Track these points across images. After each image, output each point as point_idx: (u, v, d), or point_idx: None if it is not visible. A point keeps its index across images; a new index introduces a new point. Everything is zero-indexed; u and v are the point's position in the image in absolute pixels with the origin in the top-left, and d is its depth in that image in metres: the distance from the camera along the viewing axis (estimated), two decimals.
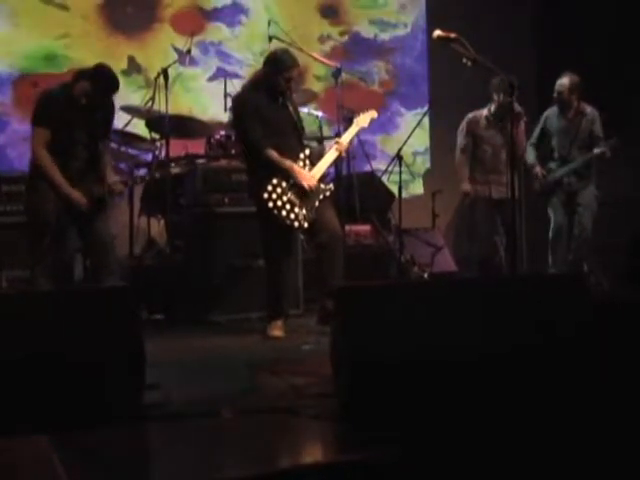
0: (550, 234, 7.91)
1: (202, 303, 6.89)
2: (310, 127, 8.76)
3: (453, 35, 5.53)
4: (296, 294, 7.19)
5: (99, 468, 3.46)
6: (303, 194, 6.02)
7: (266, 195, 5.93)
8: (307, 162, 6.19)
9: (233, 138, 7.58)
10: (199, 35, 8.86)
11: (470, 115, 7.76)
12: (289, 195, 5.98)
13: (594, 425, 3.73)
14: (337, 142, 6.41)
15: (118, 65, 8.76)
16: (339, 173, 8.53)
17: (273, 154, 6.00)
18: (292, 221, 5.98)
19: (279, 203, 5.94)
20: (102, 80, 5.97)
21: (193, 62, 8.77)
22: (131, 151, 8.33)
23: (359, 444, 3.57)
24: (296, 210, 5.99)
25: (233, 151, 7.50)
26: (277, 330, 6.21)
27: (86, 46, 8.62)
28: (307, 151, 6.26)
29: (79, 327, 4.03)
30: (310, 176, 6.09)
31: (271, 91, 6.15)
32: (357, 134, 6.63)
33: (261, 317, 6.78)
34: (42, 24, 8.40)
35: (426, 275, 7.98)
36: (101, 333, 4.05)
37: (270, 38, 8.24)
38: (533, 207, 7.89)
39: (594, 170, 7.89)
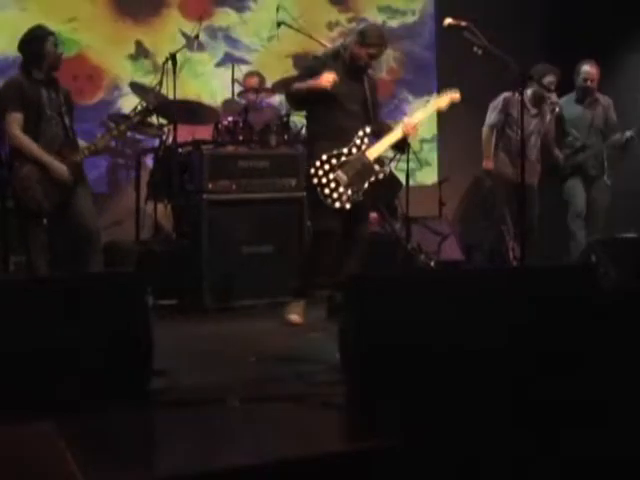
0: (569, 221, 7.88)
1: (209, 289, 6.86)
2: None
3: (464, 23, 5.52)
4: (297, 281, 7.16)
5: (106, 454, 3.46)
6: (353, 173, 5.83)
7: (312, 170, 5.82)
8: (365, 140, 5.95)
9: (240, 123, 7.57)
10: (207, 20, 8.82)
11: (507, 94, 7.66)
12: (337, 173, 5.79)
13: (602, 414, 3.73)
14: (403, 122, 6.15)
15: (126, 50, 8.79)
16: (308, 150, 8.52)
17: (296, 84, 5.94)
18: (334, 200, 5.80)
19: (324, 180, 5.77)
20: (37, 40, 6.03)
21: (201, 47, 8.74)
22: (138, 136, 8.32)
23: (367, 433, 3.57)
24: (341, 190, 5.79)
25: (241, 137, 7.48)
26: (296, 314, 6.07)
27: (93, 30, 8.60)
28: (367, 129, 6.00)
29: (86, 312, 4.03)
30: (326, 76, 5.81)
31: (351, 62, 5.97)
32: (430, 115, 6.39)
33: (269, 304, 6.79)
34: (50, 8, 8.36)
35: (433, 263, 7.96)
36: (109, 318, 4.05)
37: (278, 24, 8.22)
38: (552, 194, 7.89)
39: (607, 159, 7.91)
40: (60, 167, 5.94)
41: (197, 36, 8.00)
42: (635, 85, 8.64)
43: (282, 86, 8.36)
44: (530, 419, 3.66)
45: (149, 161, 8.08)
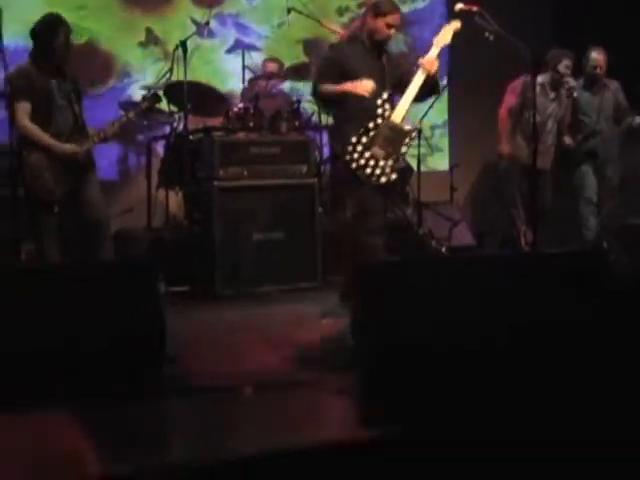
0: (581, 206, 7.88)
1: (221, 276, 6.86)
2: None
3: (475, 8, 5.50)
4: (314, 267, 7.17)
5: (120, 441, 3.48)
6: (386, 143, 5.66)
7: (348, 157, 5.65)
8: (386, 106, 5.75)
9: (251, 110, 7.56)
10: (217, 7, 8.81)
11: (525, 77, 7.65)
12: (372, 149, 5.62)
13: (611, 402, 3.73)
14: (421, 62, 5.86)
15: (136, 37, 8.77)
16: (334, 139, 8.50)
17: (325, 86, 5.73)
18: (378, 177, 5.64)
19: (362, 162, 5.62)
20: (49, 33, 6.03)
21: (211, 34, 8.73)
22: (149, 123, 8.32)
23: (377, 421, 3.57)
24: (381, 164, 5.63)
25: (251, 124, 7.47)
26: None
27: (103, 17, 8.57)
28: (385, 94, 5.76)
29: (100, 300, 4.04)
30: (364, 83, 5.61)
31: (370, 40, 5.79)
32: (442, 47, 6.07)
33: (281, 290, 6.81)
34: None
35: (444, 249, 7.95)
36: (121, 306, 4.07)
37: (289, 10, 8.22)
38: (564, 180, 7.88)
39: (618, 145, 7.91)
40: (70, 147, 5.97)
41: (207, 23, 8.01)
42: None
43: (293, 73, 8.38)
44: (543, 407, 3.67)
45: (160, 148, 8.08)
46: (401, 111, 5.71)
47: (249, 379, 4.16)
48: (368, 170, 5.58)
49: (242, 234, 6.98)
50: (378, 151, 5.57)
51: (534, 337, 4.00)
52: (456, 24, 5.95)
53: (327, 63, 5.86)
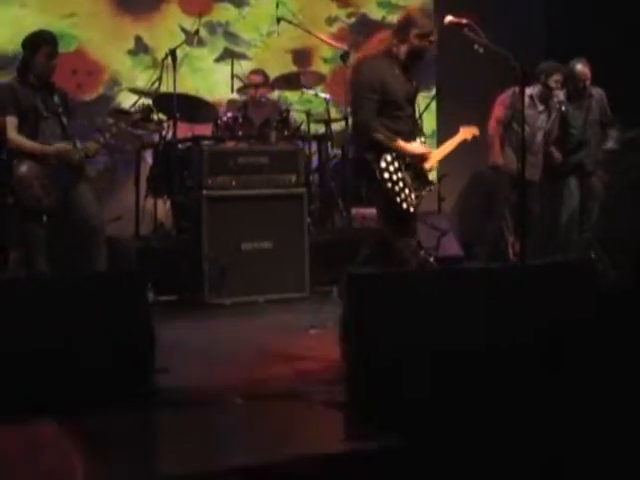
0: (563, 218, 7.90)
1: (209, 285, 6.86)
2: (317, 109, 8.76)
3: (465, 21, 5.49)
4: (302, 277, 7.18)
5: (110, 454, 3.47)
6: (416, 177, 5.50)
7: (383, 164, 5.34)
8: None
9: (240, 119, 7.57)
10: (206, 15, 8.81)
11: (515, 89, 7.67)
12: (405, 173, 5.40)
13: (600, 413, 3.74)
14: (462, 129, 5.90)
15: (125, 45, 8.78)
16: (346, 155, 8.54)
17: (380, 137, 5.36)
18: (402, 200, 5.40)
19: (394, 177, 5.36)
20: (31, 49, 6.02)
21: (200, 42, 8.73)
22: (137, 132, 8.31)
23: (368, 433, 3.58)
24: (407, 191, 5.42)
25: (240, 133, 7.49)
26: None
27: (93, 26, 8.58)
28: (422, 138, 5.65)
29: (90, 311, 4.04)
30: (423, 147, 5.53)
31: (410, 59, 5.53)
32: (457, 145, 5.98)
33: (269, 300, 6.82)
34: (49, 3, 8.37)
35: (432, 259, 7.96)
36: (112, 317, 4.06)
37: (278, 19, 8.23)
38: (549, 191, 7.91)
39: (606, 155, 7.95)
40: (65, 147, 5.97)
41: (197, 31, 8.01)
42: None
43: (282, 82, 8.40)
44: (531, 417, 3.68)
45: (149, 157, 8.08)
46: (434, 159, 5.64)
47: (238, 390, 4.15)
48: (397, 188, 5.36)
49: (231, 243, 6.98)
50: (408, 179, 5.41)
51: (522, 348, 4.00)
52: (476, 131, 6.06)
53: (371, 90, 5.42)
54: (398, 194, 5.36)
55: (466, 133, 5.97)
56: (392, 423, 3.63)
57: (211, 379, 4.56)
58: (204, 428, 3.81)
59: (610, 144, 7.84)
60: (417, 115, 5.91)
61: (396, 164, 5.38)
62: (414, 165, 5.47)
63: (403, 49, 5.47)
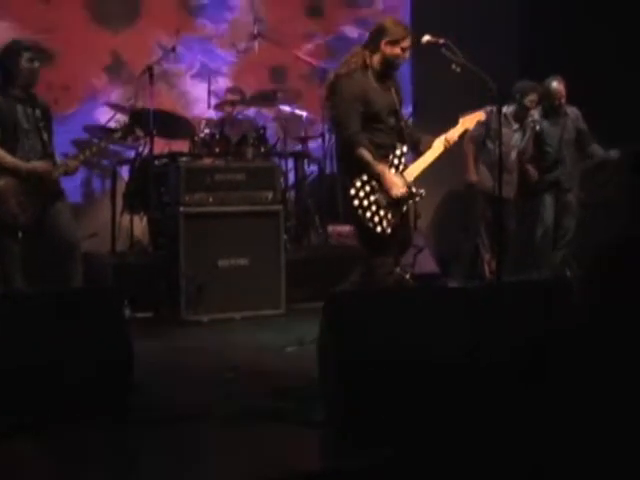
0: (538, 235, 7.94)
1: (186, 302, 6.85)
2: (293, 126, 8.77)
3: (442, 40, 5.53)
4: (278, 294, 7.18)
5: (85, 471, 3.47)
6: (392, 197, 5.42)
7: (353, 191, 5.34)
8: (402, 160, 5.53)
9: (217, 136, 7.57)
10: (183, 31, 8.81)
11: (489, 108, 7.69)
12: (377, 195, 5.37)
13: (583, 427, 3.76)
14: (445, 138, 5.72)
15: (102, 61, 8.76)
16: (322, 172, 8.56)
17: (365, 154, 5.32)
18: (375, 224, 5.37)
19: (365, 202, 5.35)
20: (11, 57, 5.95)
21: (177, 58, 8.72)
22: (114, 147, 8.30)
23: (347, 451, 3.58)
24: (382, 213, 5.38)
25: (217, 149, 7.48)
26: None
27: (70, 40, 8.55)
28: (404, 148, 5.55)
29: (66, 328, 4.03)
30: (401, 184, 5.42)
31: (384, 68, 5.52)
32: (461, 136, 5.93)
33: (245, 317, 6.82)
34: (26, 18, 8.34)
35: (408, 276, 7.97)
36: (89, 334, 4.06)
37: (255, 36, 8.25)
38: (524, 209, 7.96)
39: (580, 173, 8.02)
40: (41, 165, 5.91)
41: (174, 48, 8.00)
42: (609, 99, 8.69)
43: (259, 99, 8.42)
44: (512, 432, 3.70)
45: (125, 172, 8.06)
46: (415, 171, 5.58)
47: (216, 409, 4.14)
48: (368, 214, 5.35)
49: (207, 260, 6.97)
50: (383, 200, 5.38)
51: (501, 365, 4.02)
52: (481, 115, 6.00)
53: (353, 104, 5.41)
54: (371, 219, 5.34)
55: (466, 123, 5.88)
56: (371, 441, 3.64)
57: (187, 397, 4.53)
58: (179, 446, 3.80)
59: (613, 153, 7.91)
60: (403, 124, 5.74)
61: (367, 188, 5.35)
62: None
63: (376, 59, 5.48)
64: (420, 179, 9.08)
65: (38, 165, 5.92)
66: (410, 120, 8.87)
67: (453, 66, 5.48)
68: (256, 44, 8.41)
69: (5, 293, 5.51)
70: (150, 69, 7.42)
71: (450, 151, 8.02)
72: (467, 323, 4.10)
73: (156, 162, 7.53)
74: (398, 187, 5.39)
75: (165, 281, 6.98)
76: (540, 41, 9.58)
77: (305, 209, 8.38)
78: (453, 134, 5.76)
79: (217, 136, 7.54)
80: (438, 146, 5.67)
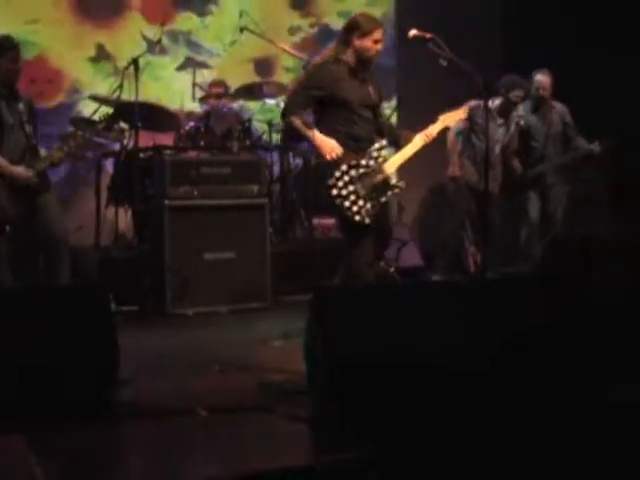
0: (524, 231, 7.98)
1: (170, 295, 6.85)
2: (279, 119, 8.75)
3: (429, 35, 5.54)
4: (264, 287, 7.19)
5: (74, 468, 3.46)
6: (372, 187, 5.49)
7: (332, 181, 5.41)
8: (381, 152, 5.59)
9: (202, 129, 7.56)
10: (169, 24, 8.80)
11: (473, 102, 7.68)
12: (356, 185, 5.45)
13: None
14: (424, 133, 5.78)
15: (86, 52, 8.75)
16: (307, 165, 8.55)
17: (295, 121, 5.49)
18: (354, 213, 5.43)
19: (344, 192, 5.42)
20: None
21: (162, 51, 8.72)
22: (99, 140, 8.28)
23: (335, 446, 3.59)
24: (360, 203, 5.44)
25: (202, 142, 7.48)
26: None
27: (54, 33, 8.55)
28: (383, 142, 5.65)
29: (52, 324, 4.03)
30: (336, 146, 5.45)
31: (357, 61, 5.59)
32: (441, 132, 5.99)
33: (231, 310, 6.83)
34: (10, 9, 8.31)
35: (392, 270, 8.00)
36: (75, 330, 4.05)
37: (241, 29, 8.23)
38: (509, 203, 7.98)
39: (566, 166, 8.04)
40: (24, 173, 5.88)
41: (159, 40, 7.98)
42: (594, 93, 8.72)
43: (244, 92, 8.41)
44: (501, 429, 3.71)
45: (109, 165, 8.04)
46: (394, 164, 5.65)
47: (202, 403, 4.14)
48: (347, 203, 5.41)
49: (192, 253, 6.97)
50: (362, 190, 5.44)
51: (488, 360, 4.04)
52: (463, 113, 6.05)
53: (305, 87, 5.61)
54: (349, 208, 5.40)
55: (446, 121, 5.94)
56: (358, 436, 3.65)
57: (174, 391, 4.53)
58: (168, 441, 3.81)
59: (594, 147, 7.91)
60: (382, 118, 5.90)
61: (346, 178, 5.42)
62: (371, 173, 5.49)
63: (349, 53, 5.57)
64: (404, 173, 9.19)
65: (20, 171, 5.88)
66: (394, 114, 8.94)
67: (440, 61, 5.49)
68: (242, 37, 8.38)
69: None
70: (136, 62, 7.40)
71: (435, 145, 8.13)
72: (453, 317, 4.12)
73: (141, 155, 7.51)
74: (331, 151, 5.44)
75: (150, 274, 6.97)
76: (525, 35, 9.58)
77: (290, 202, 8.39)
78: (432, 130, 5.82)
79: (202, 129, 7.53)
80: (418, 141, 5.73)
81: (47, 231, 5.98)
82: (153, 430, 3.95)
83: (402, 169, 9.65)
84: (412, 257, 8.67)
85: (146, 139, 7.73)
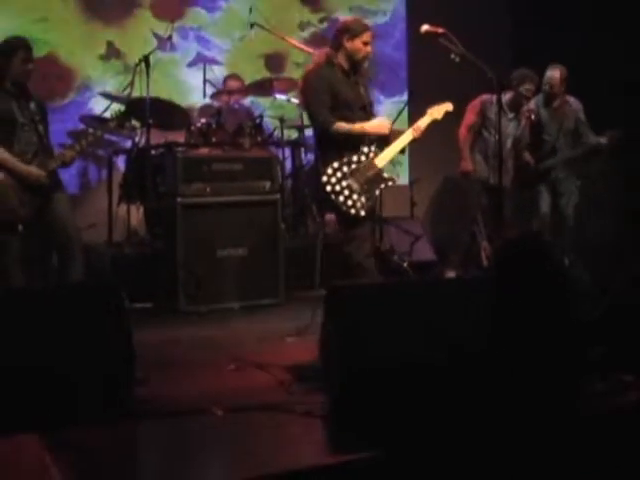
0: (535, 224, 7.95)
1: (184, 292, 6.84)
2: (290, 115, 8.76)
3: (441, 30, 5.54)
4: (276, 284, 7.18)
5: (90, 467, 3.46)
6: (364, 182, 5.64)
7: (325, 178, 5.58)
8: (372, 148, 5.72)
9: (214, 125, 7.56)
10: (178, 20, 8.79)
11: (485, 96, 7.68)
12: (349, 180, 5.60)
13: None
14: (413, 127, 5.96)
15: (96, 50, 8.75)
16: (318, 159, 8.53)
17: (341, 125, 5.60)
18: (349, 207, 5.59)
19: (337, 187, 5.59)
20: (5, 54, 5.92)
21: (172, 47, 8.70)
22: (110, 137, 8.29)
23: (351, 444, 3.59)
24: (354, 197, 5.61)
25: (214, 139, 7.46)
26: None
27: (64, 30, 8.55)
28: (373, 147, 5.74)
29: (69, 324, 4.03)
30: (385, 123, 5.72)
31: (349, 62, 5.74)
32: (429, 125, 6.10)
33: (244, 307, 6.82)
34: (21, 7, 8.33)
35: (405, 264, 7.99)
36: (91, 330, 4.05)
37: (251, 25, 8.21)
38: (520, 197, 7.96)
39: (578, 160, 7.99)
40: (36, 171, 5.87)
41: (170, 37, 7.99)
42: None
43: (255, 88, 8.41)
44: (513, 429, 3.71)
45: (121, 163, 8.05)
46: (386, 158, 5.77)
47: (218, 401, 4.14)
48: (341, 198, 5.57)
49: (205, 250, 6.97)
50: (355, 184, 5.59)
51: (502, 355, 4.03)
52: (449, 106, 6.15)
53: (321, 92, 5.68)
54: (344, 202, 5.55)
55: (433, 114, 6.07)
56: (373, 434, 3.64)
57: (189, 390, 4.54)
58: (185, 441, 3.81)
59: (602, 139, 7.86)
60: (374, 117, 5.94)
61: (339, 174, 5.59)
62: (362, 168, 5.64)
63: (340, 56, 5.72)
64: (417, 169, 9.17)
65: (33, 170, 5.87)
66: (405, 108, 8.92)
67: (452, 56, 5.49)
68: (252, 33, 8.36)
69: (5, 289, 5.48)
70: (147, 59, 7.40)
71: (447, 140, 8.13)
72: (467, 315, 4.11)
73: (153, 152, 7.51)
74: (384, 126, 5.71)
75: (163, 272, 6.97)
76: (536, 30, 9.55)
77: (302, 198, 8.38)
78: (421, 124, 5.98)
79: (213, 126, 7.52)
80: (407, 135, 5.90)
81: (59, 230, 5.98)
82: (169, 429, 3.96)
83: (417, 165, 9.72)
84: (425, 252, 8.66)
85: (157, 136, 7.71)
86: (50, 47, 8.46)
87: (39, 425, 3.65)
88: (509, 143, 7.73)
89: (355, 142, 5.67)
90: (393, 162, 9.12)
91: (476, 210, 7.83)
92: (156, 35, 8.71)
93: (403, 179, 9.81)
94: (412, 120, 9.73)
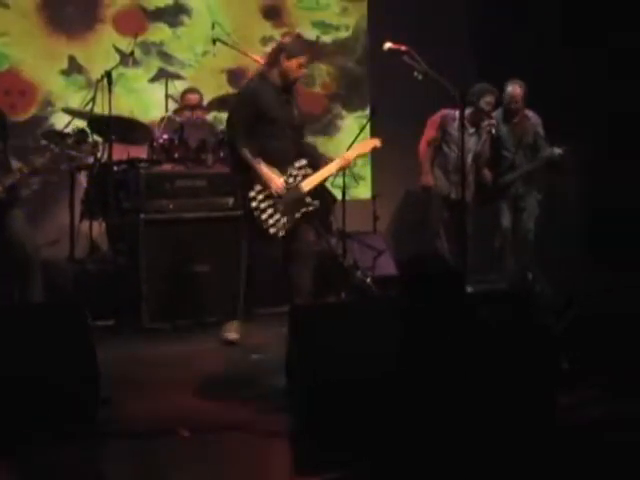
0: (496, 243, 8.00)
1: (146, 309, 6.81)
2: None
3: (404, 48, 5.57)
4: (239, 300, 7.15)
5: None
6: (288, 203, 5.91)
7: (252, 194, 5.86)
8: (300, 171, 6.07)
9: (176, 141, 7.54)
10: (141, 35, 8.74)
11: (445, 111, 7.72)
12: (274, 200, 5.87)
13: None
14: (342, 157, 6.31)
15: (58, 65, 8.68)
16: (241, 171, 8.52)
17: (247, 154, 5.88)
18: (269, 226, 5.87)
19: (262, 205, 5.85)
20: None
21: (134, 62, 8.66)
22: (72, 152, 8.21)
23: (315, 464, 3.59)
24: (276, 217, 5.89)
25: (176, 155, 7.44)
26: (234, 332, 6.14)
27: (26, 45, 8.47)
28: (303, 161, 6.11)
29: (31, 343, 4.00)
30: (277, 178, 5.92)
31: (283, 81, 5.98)
32: (357, 157, 6.58)
33: (207, 323, 6.82)
34: None
35: (369, 280, 8.00)
36: (54, 349, 4.03)
37: (214, 41, 8.20)
38: (480, 213, 8.00)
39: (538, 174, 8.03)
40: None
41: (132, 53, 7.95)
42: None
43: (218, 104, 8.38)
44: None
45: (83, 178, 7.99)
46: (311, 183, 6.03)
47: (183, 421, 4.12)
48: (264, 216, 5.84)
49: (168, 267, 6.95)
50: (279, 205, 5.84)
51: (468, 374, 4.05)
52: (377, 142, 6.49)
53: (243, 107, 6.00)
54: (266, 220, 5.86)
55: (360, 149, 6.49)
56: (338, 453, 3.65)
57: (153, 409, 4.51)
58: (148, 464, 3.80)
59: (556, 150, 7.88)
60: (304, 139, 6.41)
61: (266, 192, 5.86)
62: (288, 190, 5.91)
63: (275, 73, 5.97)
64: (379, 183, 9.19)
65: None
66: (368, 124, 8.95)
67: (415, 74, 5.54)
68: (214, 48, 8.35)
69: None
70: (109, 75, 7.37)
71: (407, 155, 8.17)
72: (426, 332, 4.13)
73: (115, 168, 7.47)
74: (275, 181, 5.90)
75: (126, 288, 6.94)
76: (497, 44, 9.61)
77: None
78: (349, 155, 6.33)
79: (176, 141, 7.50)
80: (334, 164, 6.23)
81: (17, 248, 5.93)
82: (133, 450, 3.94)
83: (379, 180, 9.73)
84: (388, 266, 8.66)
85: (120, 151, 7.68)
86: (11, 62, 8.40)
87: (4, 448, 3.63)
88: (470, 158, 7.76)
89: (278, 160, 5.93)
90: (355, 177, 9.26)
91: (438, 224, 7.87)
92: (118, 50, 8.66)
93: (366, 194, 9.85)
94: (374, 134, 9.87)
